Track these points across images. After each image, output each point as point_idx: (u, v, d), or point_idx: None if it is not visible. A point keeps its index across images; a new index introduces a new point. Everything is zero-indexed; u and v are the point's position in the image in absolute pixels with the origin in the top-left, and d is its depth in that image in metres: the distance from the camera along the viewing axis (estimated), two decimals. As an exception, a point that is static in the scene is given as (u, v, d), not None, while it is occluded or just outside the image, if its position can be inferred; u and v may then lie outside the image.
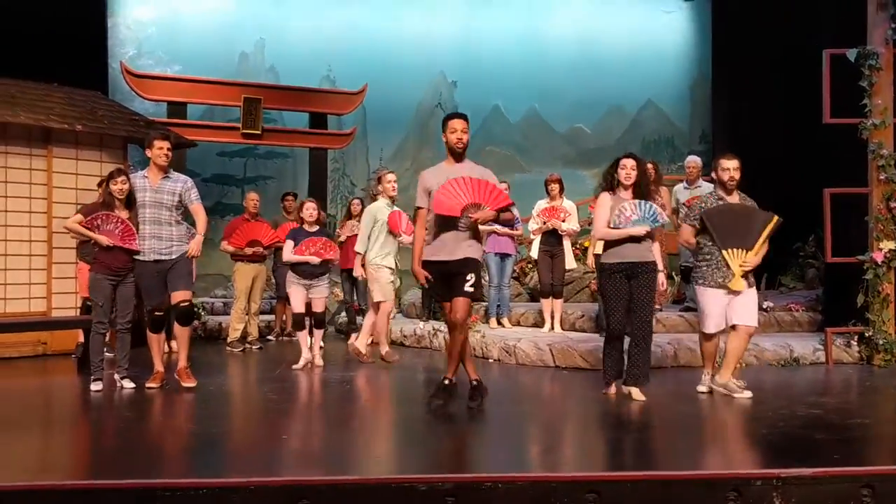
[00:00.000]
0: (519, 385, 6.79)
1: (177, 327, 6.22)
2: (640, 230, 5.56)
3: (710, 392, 5.82)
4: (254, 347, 8.87)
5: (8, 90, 8.23)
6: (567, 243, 8.55)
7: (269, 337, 9.82)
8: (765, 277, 10.04)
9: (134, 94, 10.87)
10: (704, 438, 4.80)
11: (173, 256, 6.06)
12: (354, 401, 6.18)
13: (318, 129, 11.38)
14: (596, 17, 14.01)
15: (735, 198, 5.74)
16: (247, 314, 8.89)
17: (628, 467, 3.97)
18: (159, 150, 6.05)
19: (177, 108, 10.65)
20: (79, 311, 8.11)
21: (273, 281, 10.01)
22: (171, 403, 5.78)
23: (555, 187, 8.54)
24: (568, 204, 8.57)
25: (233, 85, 10.98)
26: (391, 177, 7.81)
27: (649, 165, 8.69)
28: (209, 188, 12.48)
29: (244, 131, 10.73)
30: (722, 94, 13.07)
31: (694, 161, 8.98)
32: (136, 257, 5.99)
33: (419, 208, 5.36)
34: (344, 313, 10.10)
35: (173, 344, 8.65)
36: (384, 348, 7.65)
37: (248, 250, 8.62)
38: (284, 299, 8.87)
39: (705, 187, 8.48)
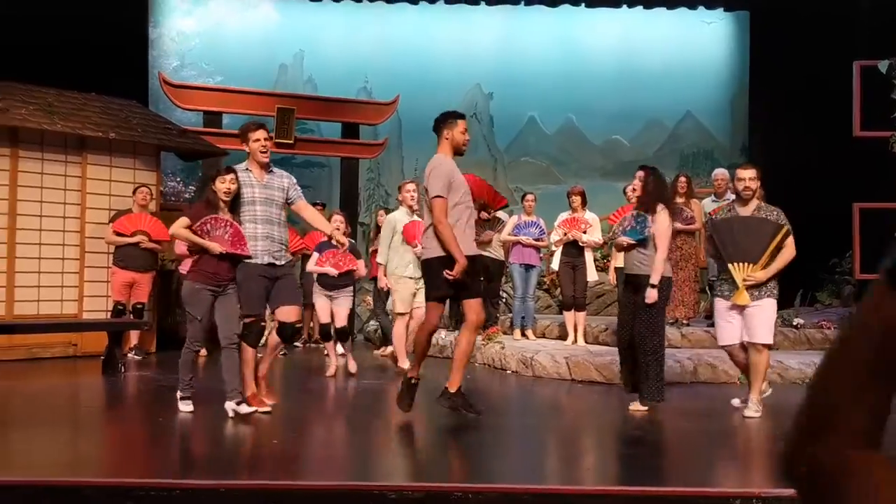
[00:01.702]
0: (529, 397, 6.75)
1: (272, 339, 5.56)
2: (623, 240, 5.66)
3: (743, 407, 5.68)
4: (279, 353, 8.97)
5: (46, 99, 8.52)
6: (589, 255, 8.47)
7: (297, 343, 9.93)
8: (799, 294, 9.81)
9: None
10: (689, 455, 4.71)
11: (283, 262, 5.39)
12: (372, 408, 6.18)
13: (349, 139, 11.50)
14: (635, 28, 13.88)
15: (749, 209, 5.58)
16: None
17: (608, 481, 3.92)
18: (256, 141, 5.27)
19: (212, 118, 10.87)
20: (109, 313, 8.35)
21: (301, 288, 10.12)
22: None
23: (576, 200, 8.48)
24: (590, 216, 8.50)
25: (267, 95, 11.18)
26: (410, 186, 7.81)
27: (682, 179, 8.65)
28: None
29: (277, 140, 10.87)
30: (760, 106, 12.85)
31: (722, 174, 8.82)
32: (246, 260, 5.22)
33: (441, 198, 5.03)
34: (373, 322, 10.16)
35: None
36: (403, 362, 7.51)
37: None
38: (311, 306, 8.97)
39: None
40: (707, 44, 13.94)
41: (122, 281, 8.20)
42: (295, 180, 5.56)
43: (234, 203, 5.22)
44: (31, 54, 10.12)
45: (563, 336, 8.76)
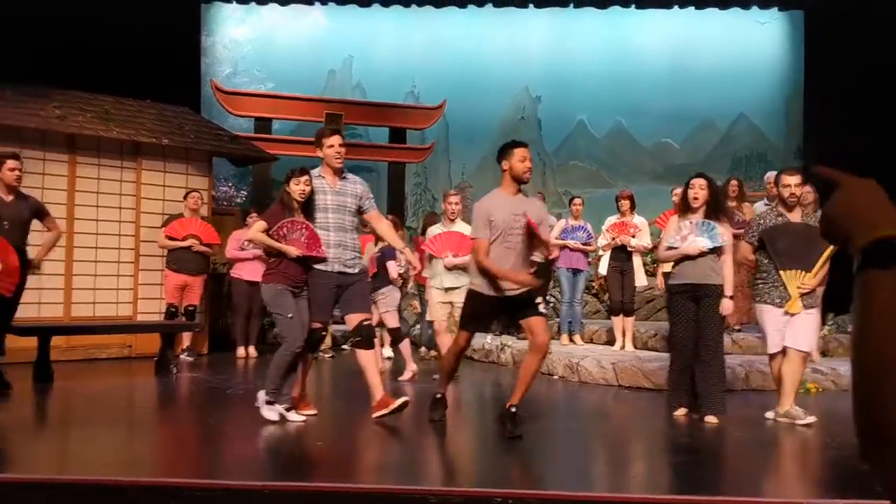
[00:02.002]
0: (574, 402, 6.69)
1: (361, 353, 5.22)
2: (694, 249, 5.42)
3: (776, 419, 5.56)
4: (326, 356, 9.08)
5: (103, 106, 8.75)
6: (637, 260, 8.37)
7: (344, 346, 10.01)
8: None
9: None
10: (740, 465, 4.61)
11: (356, 270, 5.24)
12: (419, 412, 6.17)
13: (396, 144, 11.57)
14: (687, 29, 13.71)
15: (797, 215, 5.47)
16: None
17: (656, 490, 3.86)
18: (330, 147, 5.15)
19: (263, 124, 11.05)
20: (162, 315, 8.53)
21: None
22: (240, 408, 5.98)
23: (625, 203, 8.39)
24: (639, 220, 8.40)
25: (315, 101, 11.33)
26: (453, 199, 7.47)
27: (733, 182, 8.51)
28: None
29: (325, 146, 11.03)
30: (815, 107, 12.57)
31: (775, 177, 8.63)
32: (317, 266, 5.12)
33: (478, 239, 4.86)
34: (419, 326, 10.19)
35: (251, 350, 9.03)
36: (410, 366, 7.44)
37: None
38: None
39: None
40: (761, 44, 13.69)
41: (175, 284, 8.38)
42: (368, 188, 5.40)
43: (308, 206, 5.14)
44: (91, 62, 10.42)
45: (611, 341, 8.67)
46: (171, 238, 8.39)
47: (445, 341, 7.58)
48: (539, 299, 4.91)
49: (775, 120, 13.73)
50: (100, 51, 10.69)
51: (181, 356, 8.40)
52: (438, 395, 5.18)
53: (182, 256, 8.36)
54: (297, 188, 5.07)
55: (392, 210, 10.86)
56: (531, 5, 13.40)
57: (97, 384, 7.04)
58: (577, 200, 8.95)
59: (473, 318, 5.03)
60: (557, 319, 9.38)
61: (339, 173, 5.22)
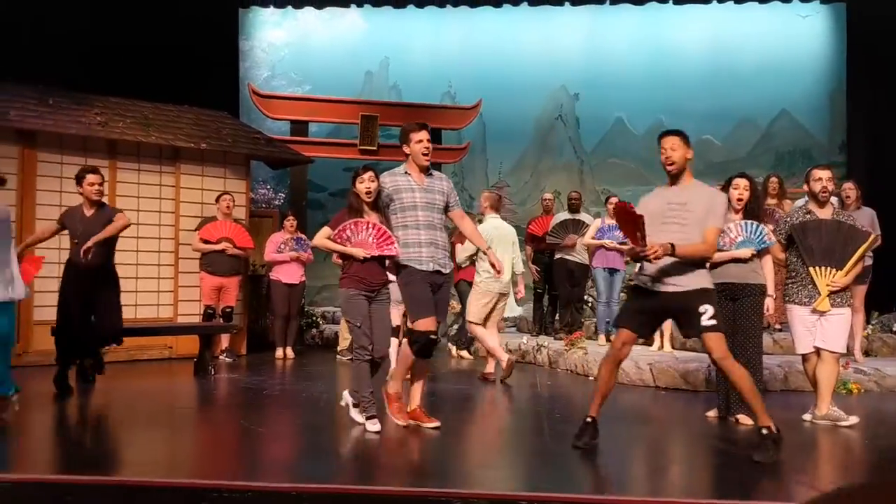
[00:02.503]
0: (610, 404, 6.60)
1: (405, 351, 5.07)
2: (745, 253, 5.35)
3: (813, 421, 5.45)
4: (345, 359, 9.09)
5: (142, 112, 8.91)
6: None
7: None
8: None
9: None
10: (778, 468, 4.50)
11: (448, 270, 5.06)
12: (456, 412, 6.16)
13: (433, 144, 11.58)
14: (726, 24, 13.49)
15: (827, 212, 5.35)
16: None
17: (695, 494, 3.79)
18: (418, 143, 4.98)
19: (299, 127, 11.15)
20: (201, 317, 8.65)
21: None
22: (274, 409, 6.04)
23: (661, 202, 8.27)
24: (676, 219, 8.27)
25: (350, 103, 11.39)
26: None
27: (773, 179, 8.36)
28: (335, 202, 13.01)
29: (361, 147, 11.09)
30: (859, 102, 12.28)
31: (818, 173, 8.46)
32: (412, 265, 4.94)
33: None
34: (457, 326, 10.19)
35: (289, 351, 9.12)
36: (490, 366, 7.57)
37: (358, 263, 8.86)
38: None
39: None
40: (802, 38, 13.42)
41: (211, 286, 8.50)
42: (453, 185, 5.24)
43: (376, 203, 4.99)
44: (133, 69, 10.63)
45: (649, 342, 8.57)
46: (205, 241, 8.51)
47: (483, 338, 7.57)
48: (704, 307, 4.27)
49: (819, 115, 13.43)
50: (141, 57, 10.89)
51: (221, 357, 8.51)
52: (588, 419, 4.56)
53: (216, 259, 8.48)
54: (361, 186, 4.93)
55: (428, 211, 10.86)
56: (567, 3, 13.32)
57: (136, 385, 7.16)
58: (612, 199, 8.86)
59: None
60: (594, 319, 9.31)
61: (425, 170, 5.04)
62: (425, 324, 4.86)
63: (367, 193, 4.92)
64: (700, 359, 7.32)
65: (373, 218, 4.95)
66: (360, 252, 4.86)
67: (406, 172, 5.02)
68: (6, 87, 8.22)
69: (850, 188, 7.47)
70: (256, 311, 10.13)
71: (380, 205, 5.00)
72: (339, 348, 9.19)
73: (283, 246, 9.02)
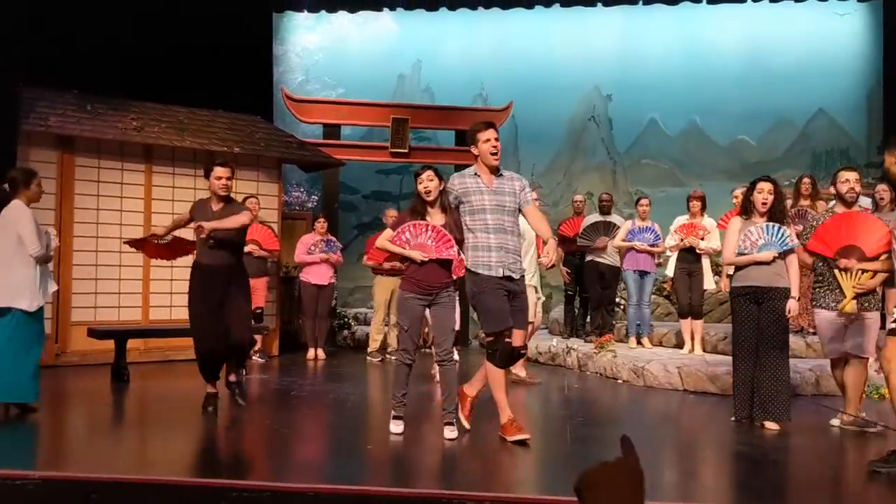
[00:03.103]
0: (638, 407, 6.60)
1: (490, 368, 4.89)
2: (767, 256, 5.31)
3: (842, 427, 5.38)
4: (392, 358, 9.18)
5: (177, 117, 9.09)
6: (706, 262, 8.19)
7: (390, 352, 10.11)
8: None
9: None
10: (807, 474, 4.46)
11: (519, 276, 4.89)
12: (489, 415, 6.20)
13: (463, 147, 11.61)
14: (762, 23, 13.30)
15: None
16: (386, 326, 9.22)
17: (723, 500, 3.78)
18: (486, 142, 4.83)
19: (331, 130, 11.28)
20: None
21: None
22: (301, 410, 6.13)
23: (696, 204, 8.22)
24: (708, 222, 8.21)
25: (382, 106, 11.47)
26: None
27: (805, 180, 8.25)
28: (368, 204, 13.12)
29: (392, 150, 11.17)
30: (894, 100, 12.03)
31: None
32: (480, 270, 4.78)
33: None
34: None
35: (320, 352, 9.22)
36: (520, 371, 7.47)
37: (387, 265, 8.93)
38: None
39: (863, 202, 7.83)
40: (839, 37, 13.18)
41: (241, 287, 8.63)
42: (527, 183, 5.08)
43: (441, 203, 4.89)
44: (168, 74, 10.81)
45: (680, 344, 8.51)
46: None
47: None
48: None
49: (856, 115, 13.19)
50: (176, 62, 11.07)
51: (253, 358, 8.63)
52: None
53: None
54: (420, 187, 4.89)
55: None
56: (599, 4, 13.24)
57: (168, 385, 7.31)
58: (643, 201, 8.81)
59: None
60: (625, 321, 9.27)
61: (495, 171, 4.87)
62: (494, 335, 4.73)
63: (425, 193, 4.86)
64: (728, 362, 7.24)
65: (436, 219, 4.87)
66: (418, 255, 4.81)
67: (475, 174, 4.87)
68: (47, 94, 8.45)
69: (883, 189, 7.34)
70: (289, 312, 10.26)
71: (445, 205, 4.89)
72: (368, 349, 9.28)
73: (313, 247, 9.12)
